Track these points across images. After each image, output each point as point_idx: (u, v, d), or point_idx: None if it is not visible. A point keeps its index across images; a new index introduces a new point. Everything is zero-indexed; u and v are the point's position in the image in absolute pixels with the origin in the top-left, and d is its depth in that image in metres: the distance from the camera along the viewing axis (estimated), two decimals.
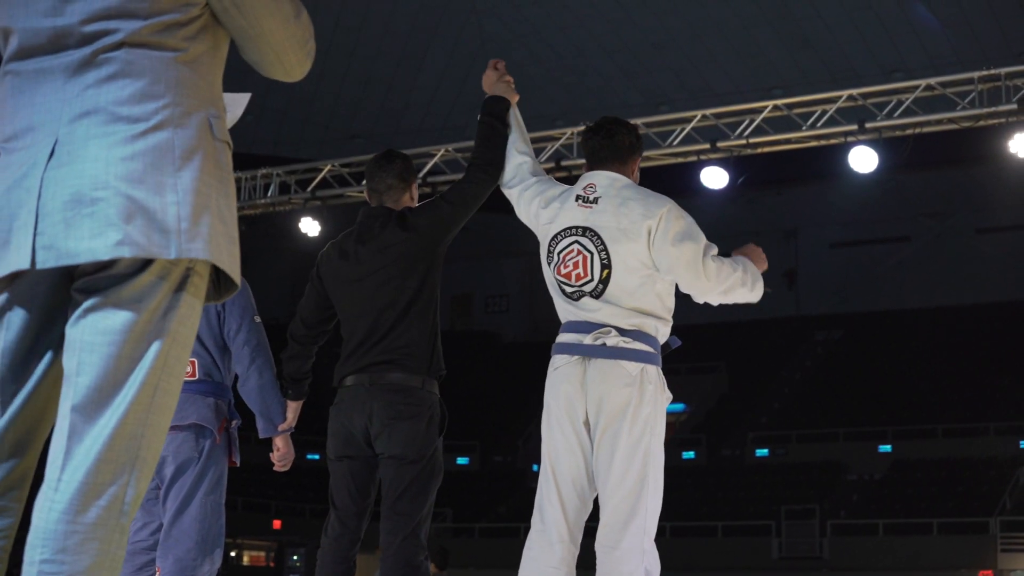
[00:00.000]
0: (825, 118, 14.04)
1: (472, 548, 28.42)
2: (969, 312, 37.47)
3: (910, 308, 38.64)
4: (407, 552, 5.02)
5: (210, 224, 2.53)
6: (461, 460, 34.89)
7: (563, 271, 4.78)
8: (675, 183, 21.66)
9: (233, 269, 2.61)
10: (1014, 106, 13.04)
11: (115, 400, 2.47)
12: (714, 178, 14.63)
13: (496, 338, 41.80)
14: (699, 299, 5.00)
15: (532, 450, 33.94)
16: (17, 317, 2.57)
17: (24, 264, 2.46)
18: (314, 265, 5.40)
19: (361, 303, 5.18)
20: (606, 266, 4.72)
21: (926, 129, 13.71)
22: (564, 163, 14.85)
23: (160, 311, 2.51)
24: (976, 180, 34.04)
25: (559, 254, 4.81)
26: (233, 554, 30.62)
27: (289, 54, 2.75)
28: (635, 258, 4.73)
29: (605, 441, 4.69)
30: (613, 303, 4.72)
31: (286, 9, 2.70)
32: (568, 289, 4.77)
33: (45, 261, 2.45)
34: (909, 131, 13.71)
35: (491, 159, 5.34)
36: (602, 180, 4.89)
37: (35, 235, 2.45)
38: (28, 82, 2.61)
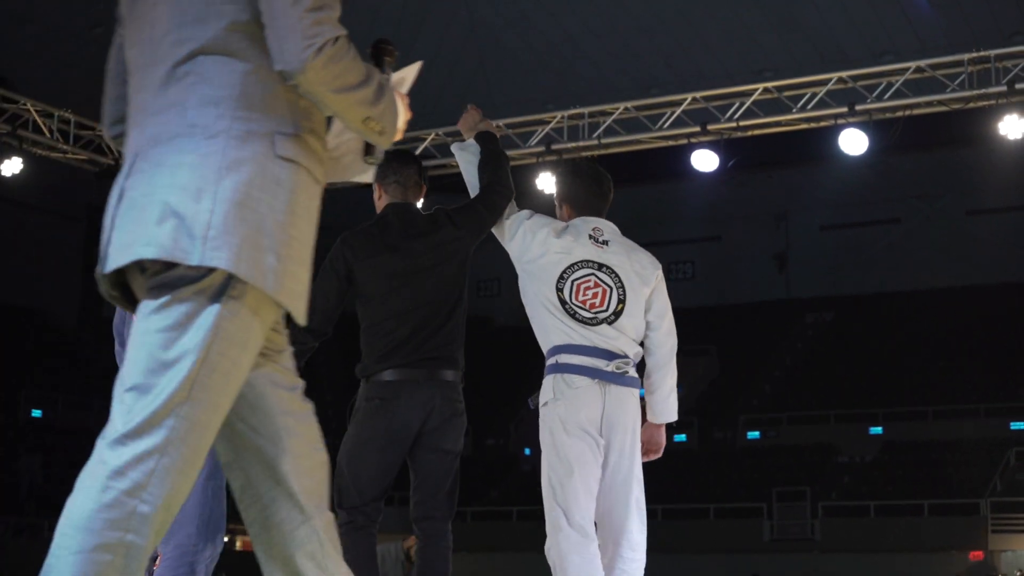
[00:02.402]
0: (815, 101, 14.04)
1: (465, 532, 28.41)
2: (959, 294, 37.53)
3: (900, 290, 38.70)
4: (450, 538, 5.31)
5: (244, 235, 2.54)
6: None
7: (580, 297, 5.21)
8: (665, 166, 21.64)
9: (266, 283, 2.59)
10: (1004, 88, 13.06)
11: (144, 399, 2.54)
12: (704, 161, 14.63)
13: (487, 322, 41.82)
14: (660, 348, 5.45)
15: (524, 434, 33.99)
16: None
17: (100, 269, 2.64)
18: (333, 258, 5.35)
19: (413, 297, 5.26)
20: (621, 300, 5.24)
21: (916, 111, 13.72)
22: (554, 147, 14.84)
23: (186, 316, 2.55)
24: (966, 162, 34.07)
25: (574, 282, 5.23)
26: (227, 539, 30.63)
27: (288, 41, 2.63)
28: (642, 299, 5.32)
29: (622, 461, 5.15)
30: (623, 333, 5.21)
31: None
32: (584, 315, 5.19)
33: (103, 267, 2.62)
34: (899, 113, 13.72)
35: (507, 180, 5.59)
36: (605, 226, 5.42)
37: (108, 243, 2.62)
38: (133, 96, 2.77)
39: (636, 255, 5.39)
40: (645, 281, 5.35)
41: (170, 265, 2.54)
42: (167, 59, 2.67)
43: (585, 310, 5.18)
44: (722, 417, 35.75)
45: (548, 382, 5.18)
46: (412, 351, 5.22)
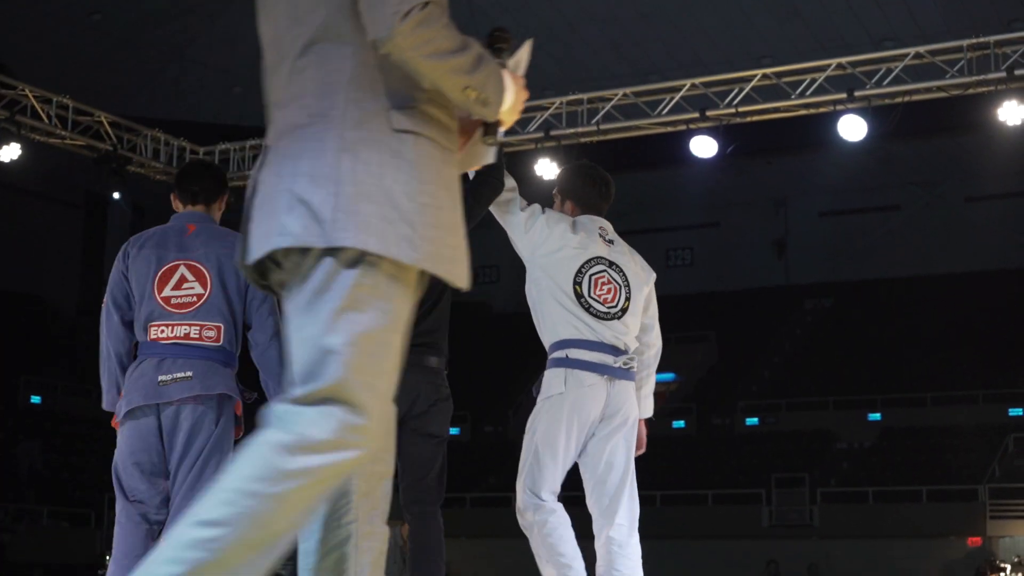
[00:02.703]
0: (814, 87, 14.04)
1: (463, 518, 28.45)
2: (958, 280, 37.50)
3: (899, 277, 38.67)
4: (441, 521, 5.46)
5: (371, 211, 2.61)
6: (452, 430, 34.90)
7: (597, 292, 5.44)
8: (664, 152, 21.61)
9: (401, 253, 2.64)
10: (1003, 74, 13.06)
11: (310, 385, 2.62)
12: (703, 147, 14.62)
13: (486, 308, 41.79)
14: (650, 349, 5.81)
15: (522, 421, 33.80)
16: None
17: (243, 261, 2.77)
18: None
19: None
20: (628, 298, 5.51)
21: (915, 97, 13.71)
22: (553, 132, 14.83)
23: (328, 297, 2.63)
24: (965, 148, 34.02)
25: (592, 276, 5.45)
26: None
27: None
28: (642, 298, 5.62)
29: (619, 451, 5.49)
30: (629, 329, 5.51)
31: None
32: (600, 309, 5.42)
33: (246, 259, 2.75)
34: (898, 99, 13.72)
35: (499, 173, 5.61)
36: (607, 227, 5.66)
37: (247, 235, 2.75)
38: (268, 93, 2.87)
39: (636, 257, 5.68)
40: (646, 282, 5.66)
41: (304, 251, 2.63)
42: (289, 54, 2.77)
43: (600, 304, 5.41)
44: (721, 403, 35.75)
45: (558, 375, 5.37)
46: None
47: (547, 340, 5.49)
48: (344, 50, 2.70)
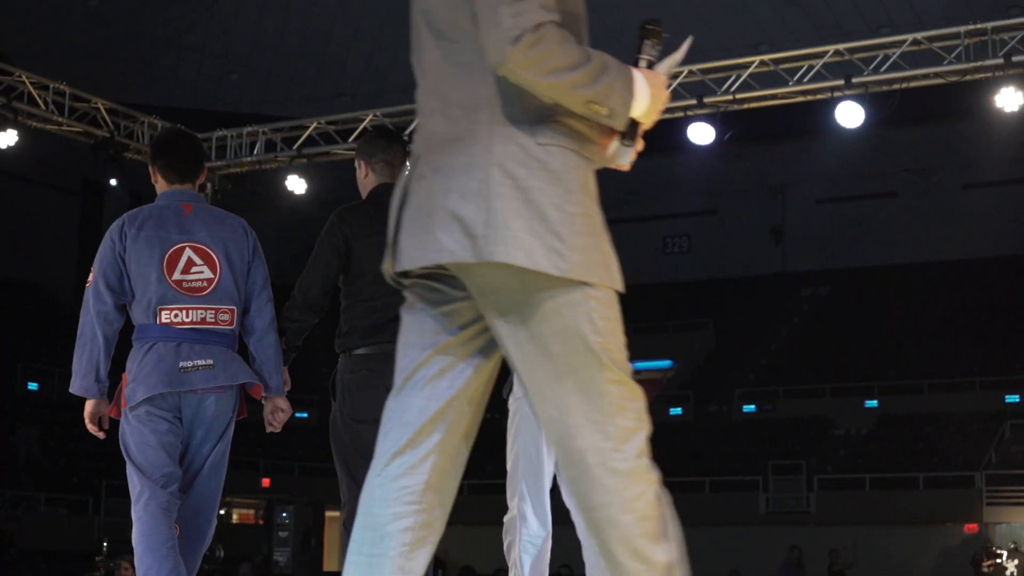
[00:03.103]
0: (812, 73, 14.02)
1: (460, 505, 28.38)
2: (955, 267, 37.51)
3: (896, 264, 38.67)
4: None
5: (521, 226, 2.67)
6: None
7: None
8: (661, 139, 21.60)
9: (551, 266, 2.69)
10: (1000, 60, 13.04)
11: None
12: (701, 134, 14.60)
13: None
14: None
15: None
16: None
17: (391, 266, 2.89)
18: (331, 234, 5.44)
19: None
20: None
21: (912, 84, 13.70)
22: None
23: (507, 310, 2.76)
24: (962, 135, 34.01)
25: None
26: (223, 512, 30.69)
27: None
28: None
29: None
30: None
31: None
32: None
33: (396, 265, 2.86)
34: (896, 86, 13.71)
35: None
36: None
37: (396, 242, 2.86)
38: (417, 100, 2.98)
39: None
40: None
41: (461, 267, 2.75)
42: (433, 65, 2.86)
43: None
44: (718, 391, 35.78)
45: None
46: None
47: None
48: (485, 57, 2.72)
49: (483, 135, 2.72)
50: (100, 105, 16.03)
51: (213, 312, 5.08)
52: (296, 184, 16.50)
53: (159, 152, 5.40)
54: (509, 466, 5.56)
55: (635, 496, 2.78)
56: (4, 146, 15.00)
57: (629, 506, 2.77)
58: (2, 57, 16.42)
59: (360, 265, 5.39)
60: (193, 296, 5.07)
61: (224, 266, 5.14)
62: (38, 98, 15.30)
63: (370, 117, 16.09)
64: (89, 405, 5.22)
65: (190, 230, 5.16)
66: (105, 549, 21.16)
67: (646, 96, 2.83)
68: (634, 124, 2.86)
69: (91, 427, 5.26)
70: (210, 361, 5.02)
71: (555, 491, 5.62)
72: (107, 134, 15.97)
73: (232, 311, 5.14)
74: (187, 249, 5.12)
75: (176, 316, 5.04)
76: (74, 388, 5.26)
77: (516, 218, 2.67)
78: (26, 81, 15.17)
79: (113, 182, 16.36)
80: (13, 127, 14.94)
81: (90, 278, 5.22)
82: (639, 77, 2.83)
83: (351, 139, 16.23)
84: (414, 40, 2.97)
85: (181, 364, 5.00)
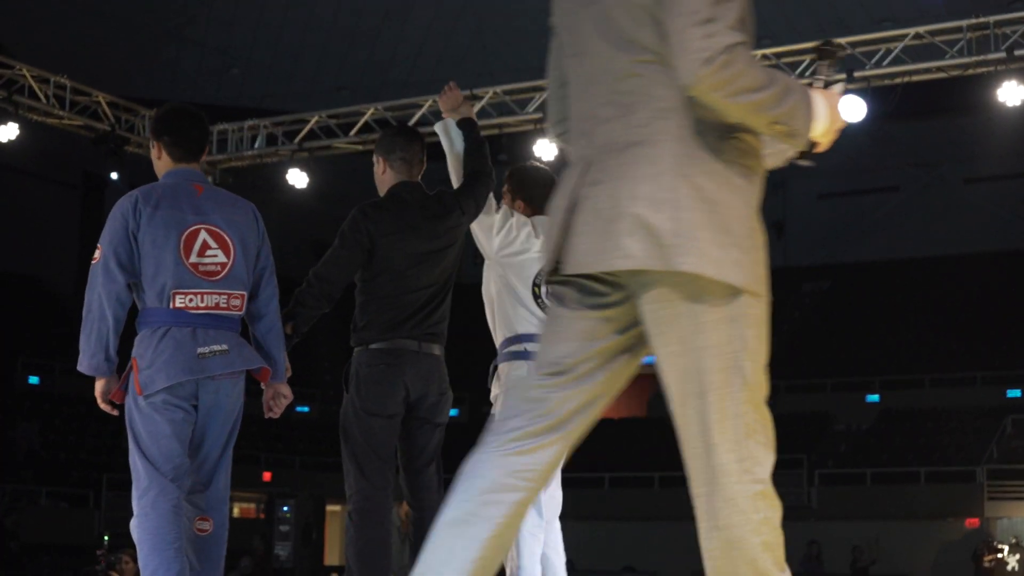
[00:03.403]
0: (813, 68, 13.99)
1: None
2: (957, 262, 37.49)
3: (898, 258, 38.65)
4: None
5: (708, 237, 2.76)
6: (451, 412, 34.96)
7: (545, 295, 5.53)
8: None
9: (733, 277, 2.79)
10: (1003, 55, 13.03)
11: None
12: None
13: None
14: None
15: None
16: None
17: (558, 270, 2.94)
18: (356, 230, 5.44)
19: (428, 275, 5.48)
20: None
21: (915, 78, 13.69)
22: None
23: (670, 320, 2.84)
24: (964, 129, 33.98)
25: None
26: None
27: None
28: None
29: None
30: None
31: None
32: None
33: (564, 269, 2.92)
34: (898, 80, 13.70)
35: (492, 171, 5.76)
36: None
37: (564, 247, 2.91)
38: (575, 102, 3.04)
39: None
40: None
41: (637, 272, 2.81)
42: (611, 70, 2.89)
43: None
44: None
45: (519, 367, 5.54)
46: (416, 325, 5.42)
47: (502, 335, 5.72)
48: (673, 75, 2.79)
49: (669, 146, 2.79)
50: (101, 98, 16.02)
51: (226, 297, 4.94)
52: (297, 178, 16.49)
53: (165, 128, 5.17)
54: None
55: (763, 520, 2.87)
56: (5, 139, 15.00)
57: (757, 529, 2.86)
58: (3, 50, 16.39)
59: (382, 262, 5.43)
60: (207, 280, 4.90)
61: (238, 250, 5.00)
62: (39, 91, 15.29)
63: (371, 111, 16.08)
64: (100, 384, 4.97)
65: (204, 211, 4.99)
66: (106, 543, 21.16)
67: (825, 117, 2.93)
68: (812, 143, 2.95)
69: (104, 406, 5.03)
70: (225, 346, 4.90)
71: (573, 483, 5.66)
72: (108, 127, 15.96)
73: (243, 297, 5.01)
74: (202, 231, 4.94)
75: (191, 301, 4.87)
76: (83, 367, 4.96)
77: (704, 229, 2.75)
78: (27, 74, 15.16)
79: (114, 175, 16.36)
80: (14, 120, 14.94)
81: (97, 255, 4.95)
82: (818, 98, 2.92)
83: (352, 133, 16.22)
84: (569, 45, 3.04)
85: (199, 350, 4.85)
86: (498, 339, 5.75)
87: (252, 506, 31.64)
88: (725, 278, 2.76)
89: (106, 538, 22.56)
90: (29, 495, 27.21)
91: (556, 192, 3.00)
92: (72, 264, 38.98)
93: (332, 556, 29.43)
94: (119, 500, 26.39)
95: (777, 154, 3.07)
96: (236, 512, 31.67)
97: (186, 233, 4.91)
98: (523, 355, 5.60)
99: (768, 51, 14.21)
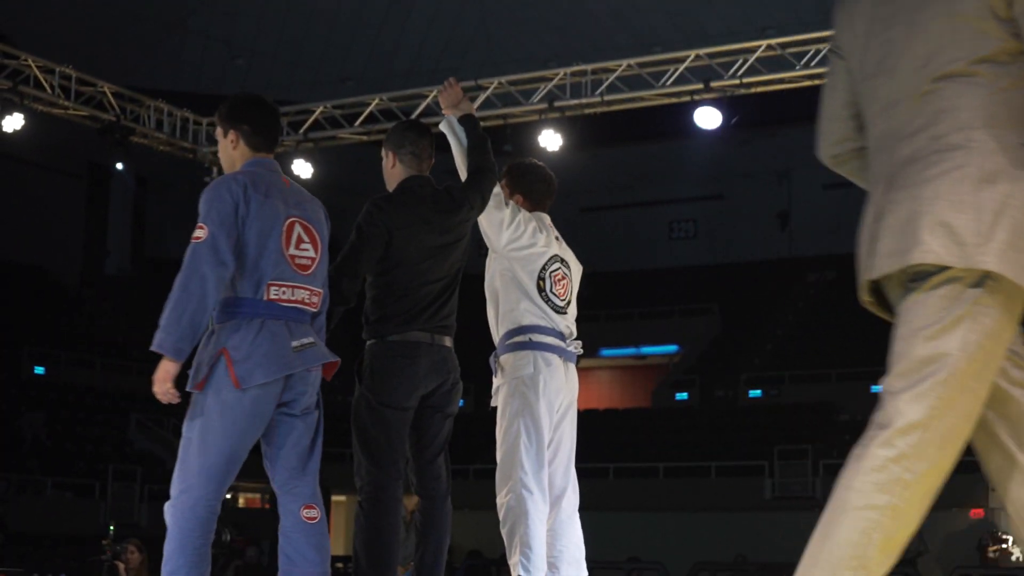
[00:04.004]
0: (819, 57, 13.99)
1: (467, 489, 28.47)
2: None
3: None
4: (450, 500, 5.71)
5: (1006, 239, 2.87)
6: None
7: (556, 288, 5.87)
8: (668, 123, 21.59)
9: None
10: None
11: (911, 382, 3.02)
12: (707, 118, 14.59)
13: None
14: None
15: None
16: None
17: (865, 276, 3.27)
18: (374, 224, 5.44)
19: (440, 269, 5.54)
20: (573, 290, 6.04)
21: None
22: (556, 103, 14.79)
23: (952, 312, 2.94)
24: None
25: (552, 273, 5.87)
26: (229, 496, 30.74)
27: None
28: (577, 287, 6.10)
29: (568, 429, 5.88)
30: (572, 319, 5.98)
31: None
32: (558, 303, 5.87)
33: (870, 274, 3.22)
34: None
35: (495, 168, 5.83)
36: (549, 222, 6.06)
37: (872, 253, 3.19)
38: (874, 122, 3.21)
39: (569, 250, 6.12)
40: (577, 272, 6.13)
41: (938, 270, 2.93)
42: (913, 87, 3.04)
43: (559, 299, 5.87)
44: (724, 375, 35.78)
45: (525, 357, 5.72)
46: (430, 318, 5.49)
47: (505, 327, 5.80)
48: (979, 89, 2.95)
49: (975, 151, 2.91)
50: (106, 89, 16.03)
51: (309, 292, 4.86)
52: (302, 168, 16.50)
53: (246, 116, 5.00)
54: (504, 449, 5.68)
55: None
56: (10, 130, 15.00)
57: None
58: (8, 41, 16.41)
59: (398, 254, 5.44)
60: (299, 273, 4.82)
61: (324, 247, 4.95)
62: (44, 82, 15.29)
63: (375, 101, 16.08)
64: (172, 368, 4.62)
65: (295, 204, 4.90)
66: (111, 533, 21.20)
67: None
68: None
69: (168, 393, 4.66)
70: (312, 339, 4.85)
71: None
72: (113, 118, 15.97)
73: (321, 294, 4.94)
74: (297, 224, 4.85)
75: (284, 293, 4.77)
76: (164, 347, 4.59)
77: (1003, 231, 2.86)
78: (32, 65, 15.16)
79: (119, 166, 16.38)
80: (19, 111, 14.95)
81: (202, 234, 4.66)
82: None
83: (357, 123, 16.22)
84: (867, 66, 3.17)
85: (293, 344, 4.76)
86: (500, 331, 5.82)
87: (258, 496, 31.71)
88: (1020, 280, 2.87)
89: (111, 528, 22.60)
90: (34, 485, 27.27)
91: (864, 211, 3.23)
92: (77, 254, 39.09)
93: (337, 546, 29.49)
94: (124, 490, 26.45)
95: None
96: (241, 502, 31.76)
97: (286, 224, 4.82)
98: (527, 346, 5.73)
99: (773, 41, 14.20)
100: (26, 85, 15.08)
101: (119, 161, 16.30)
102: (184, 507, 4.75)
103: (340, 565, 19.60)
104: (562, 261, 5.94)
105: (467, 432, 33.55)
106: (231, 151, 5.00)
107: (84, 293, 38.23)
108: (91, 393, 31.32)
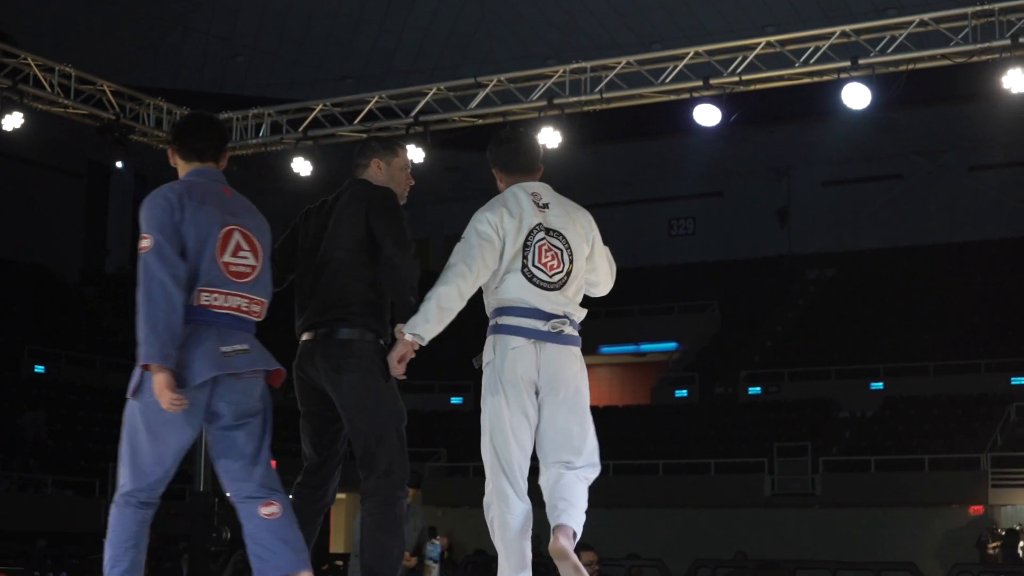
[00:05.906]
0: (818, 55, 13.98)
1: (466, 486, 28.50)
2: (961, 250, 37.49)
3: (902, 246, 38.64)
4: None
5: None
6: (455, 400, 34.99)
7: (542, 260, 5.34)
8: (667, 121, 21.57)
9: None
10: (1007, 42, 13.00)
11: None
12: (707, 116, 14.58)
13: None
14: (596, 294, 5.71)
15: None
16: None
17: None
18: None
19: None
20: (571, 262, 5.39)
21: (919, 65, 13.66)
22: (556, 101, 14.79)
23: None
24: (968, 117, 33.92)
25: (536, 245, 5.35)
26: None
27: None
28: (584, 259, 5.47)
29: (559, 411, 5.36)
30: (570, 296, 5.40)
31: None
32: (543, 278, 5.33)
33: None
34: (902, 67, 13.67)
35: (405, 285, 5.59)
36: (540, 189, 5.52)
37: None
38: None
39: (575, 216, 5.51)
40: (586, 241, 5.50)
41: None
42: None
43: (544, 272, 5.34)
44: (723, 372, 35.79)
45: (488, 344, 5.43)
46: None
47: (488, 311, 5.49)
48: None
49: None
50: (106, 87, 16.02)
51: (247, 301, 4.92)
52: (302, 166, 16.49)
53: (176, 134, 5.22)
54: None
55: None
56: (10, 129, 15.00)
57: None
58: (8, 39, 16.39)
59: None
60: (235, 281, 4.88)
61: (265, 257, 5.02)
62: (44, 80, 15.29)
63: (376, 99, 16.08)
64: (166, 376, 4.71)
65: (236, 213, 4.99)
66: None
67: None
68: None
69: (175, 397, 4.72)
70: (246, 346, 4.89)
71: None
72: (113, 116, 15.96)
73: (263, 304, 5.01)
74: (236, 232, 4.93)
75: (215, 299, 4.84)
76: (151, 359, 4.70)
77: None
78: (32, 63, 15.16)
79: (119, 164, 16.36)
80: (19, 110, 14.94)
81: (147, 243, 4.79)
82: None
83: (357, 121, 16.21)
84: None
85: (222, 349, 4.81)
86: (489, 308, 5.50)
87: None
88: None
89: None
90: (35, 483, 27.28)
91: None
92: (77, 253, 39.07)
93: (337, 543, 29.50)
94: None
95: None
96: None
97: (224, 231, 4.90)
98: (495, 329, 5.41)
99: (772, 38, 14.19)
100: (26, 84, 15.07)
101: (119, 160, 16.29)
102: (119, 501, 4.94)
103: (340, 563, 19.59)
104: (549, 231, 5.39)
105: (465, 429, 33.54)
106: (175, 165, 5.20)
107: (84, 292, 38.24)
108: (91, 391, 31.33)
